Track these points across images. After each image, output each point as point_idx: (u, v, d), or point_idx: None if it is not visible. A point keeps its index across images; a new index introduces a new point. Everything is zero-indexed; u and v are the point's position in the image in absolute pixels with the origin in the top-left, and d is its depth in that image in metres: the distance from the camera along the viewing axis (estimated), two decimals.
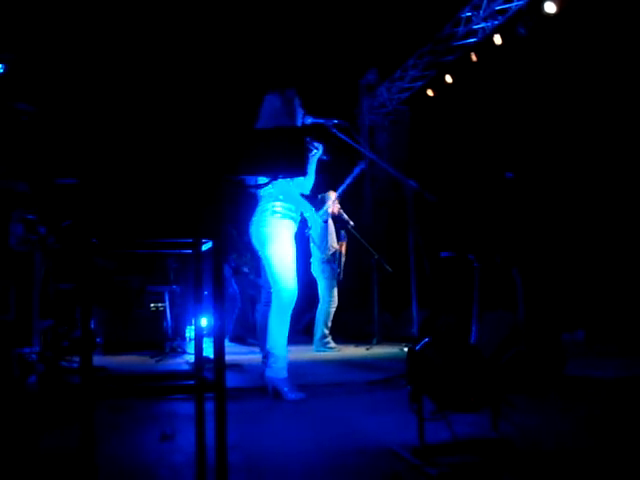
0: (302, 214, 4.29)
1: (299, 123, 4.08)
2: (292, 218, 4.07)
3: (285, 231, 4.01)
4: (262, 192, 4.06)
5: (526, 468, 2.23)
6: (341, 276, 8.01)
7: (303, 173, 2.08)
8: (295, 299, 3.97)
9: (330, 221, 7.95)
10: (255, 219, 4.09)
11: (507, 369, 3.80)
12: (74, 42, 8.57)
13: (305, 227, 7.45)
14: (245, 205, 4.26)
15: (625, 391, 3.92)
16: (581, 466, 2.25)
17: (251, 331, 9.49)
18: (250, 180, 3.57)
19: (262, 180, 3.44)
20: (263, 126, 4.03)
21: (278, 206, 4.01)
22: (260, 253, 4.09)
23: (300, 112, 4.11)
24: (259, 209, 4.08)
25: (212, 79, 9.99)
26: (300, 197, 4.20)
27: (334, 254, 7.94)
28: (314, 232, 7.89)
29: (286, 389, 3.80)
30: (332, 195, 7.91)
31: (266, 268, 4.03)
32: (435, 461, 2.22)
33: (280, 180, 3.76)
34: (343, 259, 8.06)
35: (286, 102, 4.09)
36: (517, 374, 3.78)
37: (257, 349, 6.43)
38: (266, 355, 3.91)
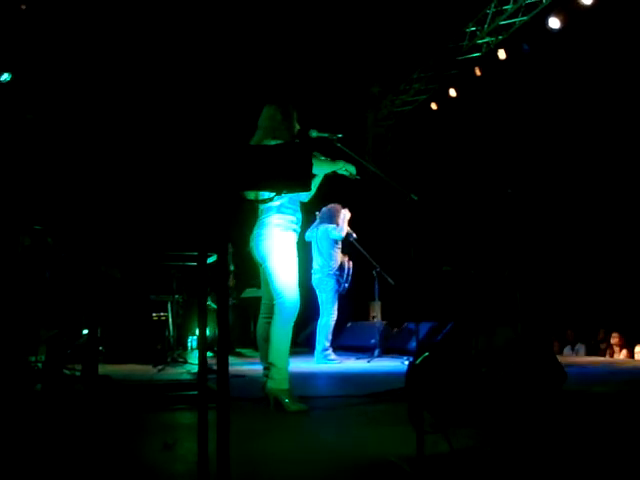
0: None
1: (294, 137, 4.09)
2: (294, 230, 4.08)
3: (287, 243, 4.00)
4: (263, 205, 4.04)
5: None
6: (346, 289, 8.02)
7: (307, 189, 2.11)
8: (297, 311, 3.99)
9: None
10: (256, 232, 4.07)
11: (505, 383, 3.82)
12: (76, 55, 8.65)
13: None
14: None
15: (622, 405, 3.94)
16: None
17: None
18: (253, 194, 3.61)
19: (266, 195, 3.49)
20: (261, 138, 4.05)
21: (279, 218, 3.99)
22: (262, 266, 4.07)
23: (296, 127, 4.14)
24: (260, 222, 4.06)
25: (217, 95, 10.08)
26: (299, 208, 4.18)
27: (341, 267, 7.95)
28: (321, 245, 7.88)
29: (287, 400, 3.81)
30: (347, 214, 7.87)
31: (269, 281, 4.02)
32: (432, 473, 2.24)
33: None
34: (350, 271, 8.07)
35: (285, 116, 4.11)
36: (515, 388, 3.80)
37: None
38: (267, 367, 3.92)
